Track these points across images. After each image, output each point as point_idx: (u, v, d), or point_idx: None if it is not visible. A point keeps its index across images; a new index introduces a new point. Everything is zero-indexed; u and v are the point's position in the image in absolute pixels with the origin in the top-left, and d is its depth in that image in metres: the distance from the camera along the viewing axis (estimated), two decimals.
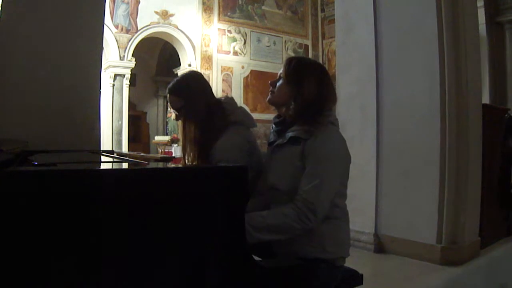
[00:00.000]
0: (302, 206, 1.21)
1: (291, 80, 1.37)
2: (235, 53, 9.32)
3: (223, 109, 1.60)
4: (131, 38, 8.23)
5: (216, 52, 9.03)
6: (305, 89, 1.34)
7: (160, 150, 8.65)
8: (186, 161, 1.64)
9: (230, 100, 1.66)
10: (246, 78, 9.41)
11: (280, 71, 1.44)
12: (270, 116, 1.55)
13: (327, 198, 1.26)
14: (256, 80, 9.28)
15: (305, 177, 1.26)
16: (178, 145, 8.12)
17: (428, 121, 2.55)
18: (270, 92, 1.43)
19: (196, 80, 1.68)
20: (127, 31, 8.18)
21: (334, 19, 3.44)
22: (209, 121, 1.57)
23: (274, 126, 1.47)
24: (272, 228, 1.23)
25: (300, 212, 1.21)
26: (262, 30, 9.72)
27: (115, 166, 1.17)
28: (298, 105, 1.34)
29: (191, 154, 1.62)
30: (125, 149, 8.20)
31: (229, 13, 9.27)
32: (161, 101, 11.96)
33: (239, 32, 9.38)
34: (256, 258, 1.14)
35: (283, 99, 1.39)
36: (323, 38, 10.64)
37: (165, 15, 8.51)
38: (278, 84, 1.41)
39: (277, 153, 1.38)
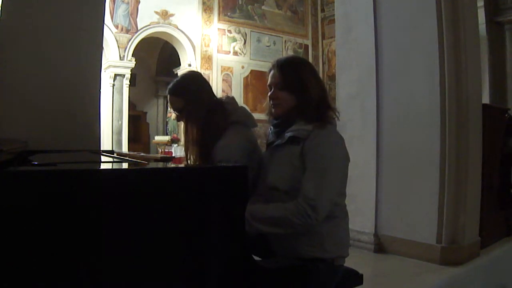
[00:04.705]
0: (303, 202, 1.22)
1: (293, 87, 1.36)
2: (235, 53, 9.32)
3: (224, 109, 1.60)
4: (131, 38, 8.22)
5: (216, 52, 9.03)
6: (310, 89, 1.35)
7: (160, 150, 8.65)
8: (189, 161, 1.64)
9: (231, 100, 1.66)
10: (246, 78, 9.41)
11: (270, 78, 1.41)
12: None
13: (328, 196, 1.27)
14: (256, 80, 9.28)
15: (305, 175, 1.26)
16: (178, 145, 8.13)
17: (428, 121, 2.55)
18: (273, 105, 1.41)
19: (197, 80, 1.68)
20: (127, 31, 8.18)
21: (334, 19, 3.44)
22: (210, 121, 1.57)
23: (272, 127, 1.47)
24: (272, 220, 1.24)
25: (300, 208, 1.22)
26: (262, 30, 9.71)
27: (115, 166, 1.17)
28: (311, 106, 1.34)
29: (193, 154, 1.62)
30: (125, 149, 8.19)
31: (229, 13, 9.26)
32: (161, 101, 11.95)
33: (239, 32, 9.38)
34: (256, 258, 1.14)
35: (290, 107, 1.38)
36: (323, 38, 10.64)
37: (165, 15, 8.51)
38: (280, 95, 1.38)
39: (277, 153, 1.39)
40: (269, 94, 1.43)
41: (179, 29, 8.65)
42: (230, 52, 9.25)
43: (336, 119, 1.42)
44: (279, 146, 1.38)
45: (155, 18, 8.43)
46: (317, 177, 1.25)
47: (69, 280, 0.80)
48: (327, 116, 1.38)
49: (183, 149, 1.78)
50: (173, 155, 7.78)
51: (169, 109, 9.69)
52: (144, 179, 0.92)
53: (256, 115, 1.69)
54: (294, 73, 1.37)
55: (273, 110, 1.42)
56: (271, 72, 1.42)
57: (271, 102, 1.42)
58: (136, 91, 10.63)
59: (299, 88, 1.36)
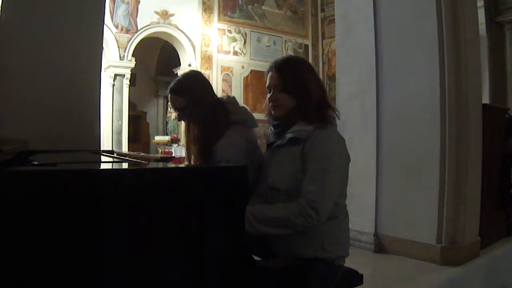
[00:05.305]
0: (305, 203, 1.22)
1: (293, 88, 1.35)
2: (235, 53, 9.32)
3: (225, 108, 1.60)
4: (131, 38, 8.23)
5: (216, 52, 9.03)
6: (309, 89, 1.35)
7: (160, 150, 8.66)
8: (191, 161, 1.64)
9: (232, 100, 1.66)
10: (246, 78, 9.41)
11: (269, 80, 1.40)
12: None
13: (330, 196, 1.27)
14: (256, 80, 9.28)
15: (307, 177, 1.26)
16: (178, 145, 8.14)
17: (428, 121, 2.55)
18: (273, 107, 1.40)
19: (198, 79, 1.68)
20: (127, 31, 8.18)
21: (334, 19, 3.43)
22: (211, 120, 1.57)
23: (272, 128, 1.47)
24: (274, 221, 1.24)
25: (302, 208, 1.22)
26: (262, 30, 9.72)
27: (115, 166, 1.17)
28: (311, 107, 1.34)
29: (194, 153, 1.62)
30: (125, 149, 8.20)
31: (229, 13, 9.27)
32: (161, 101, 11.96)
33: (239, 32, 9.39)
34: (256, 258, 1.14)
35: (290, 108, 1.38)
36: (323, 38, 10.64)
37: (165, 15, 8.51)
38: (280, 96, 1.37)
39: (277, 154, 1.39)
40: (268, 96, 1.42)
41: (179, 29, 8.66)
42: (230, 52, 9.25)
43: (336, 118, 1.42)
44: (280, 146, 1.38)
45: (155, 18, 8.43)
46: (318, 178, 1.25)
47: (69, 280, 0.80)
48: (328, 116, 1.38)
49: (184, 148, 1.77)
50: (173, 155, 7.79)
51: (169, 109, 9.69)
52: (144, 179, 0.92)
53: (256, 115, 1.69)
54: (293, 74, 1.37)
55: (273, 112, 1.42)
56: (269, 74, 1.41)
57: (270, 103, 1.41)
58: (136, 91, 10.63)
59: (298, 89, 1.35)
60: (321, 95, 1.38)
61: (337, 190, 1.30)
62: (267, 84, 1.42)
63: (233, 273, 1.01)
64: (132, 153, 1.78)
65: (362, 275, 1.44)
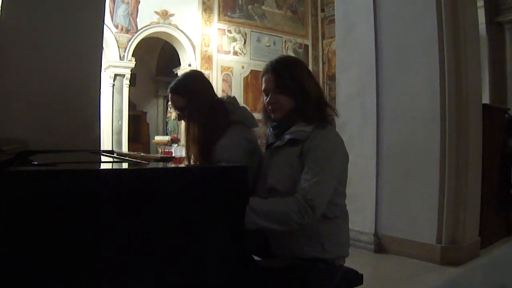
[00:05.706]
0: (302, 200, 1.22)
1: (292, 88, 1.35)
2: (235, 53, 9.32)
3: (225, 108, 1.60)
4: (131, 38, 8.22)
5: (216, 52, 9.03)
6: (307, 89, 1.35)
7: (160, 150, 8.66)
8: (191, 161, 1.64)
9: (232, 100, 1.66)
10: (246, 78, 9.41)
11: (265, 83, 1.39)
12: None
13: (325, 195, 1.26)
14: (256, 80, 9.26)
15: (304, 175, 1.26)
16: (178, 145, 8.14)
17: (428, 121, 2.55)
18: (272, 110, 1.39)
19: (199, 79, 1.68)
20: (127, 31, 8.18)
21: (334, 19, 3.44)
22: (211, 120, 1.57)
23: (271, 129, 1.47)
24: (271, 214, 1.21)
25: (300, 205, 1.21)
26: (262, 30, 9.71)
27: (115, 166, 1.17)
28: (310, 107, 1.34)
29: (194, 153, 1.62)
30: (125, 149, 8.19)
31: (229, 13, 9.26)
32: (161, 101, 11.96)
33: (239, 32, 9.38)
34: (256, 258, 1.14)
35: (289, 109, 1.37)
36: (323, 38, 10.64)
37: (165, 15, 8.51)
38: (278, 99, 1.36)
39: (276, 155, 1.38)
40: (266, 99, 1.40)
41: (179, 29, 8.65)
42: (230, 52, 9.25)
43: (335, 117, 1.42)
44: (279, 147, 1.37)
45: (155, 18, 8.43)
46: (315, 177, 1.24)
47: (69, 279, 0.80)
48: (327, 115, 1.37)
49: (184, 148, 1.77)
50: (173, 155, 7.79)
51: (169, 109, 9.70)
52: (144, 179, 0.92)
53: (256, 115, 1.69)
54: (291, 74, 1.36)
55: (272, 115, 1.41)
56: (266, 76, 1.40)
57: (269, 107, 1.40)
58: (136, 91, 10.63)
59: (297, 90, 1.35)
60: (319, 94, 1.38)
61: (332, 188, 1.30)
62: (263, 87, 1.40)
63: (233, 273, 1.01)
64: (132, 153, 1.78)
65: (362, 275, 1.44)
